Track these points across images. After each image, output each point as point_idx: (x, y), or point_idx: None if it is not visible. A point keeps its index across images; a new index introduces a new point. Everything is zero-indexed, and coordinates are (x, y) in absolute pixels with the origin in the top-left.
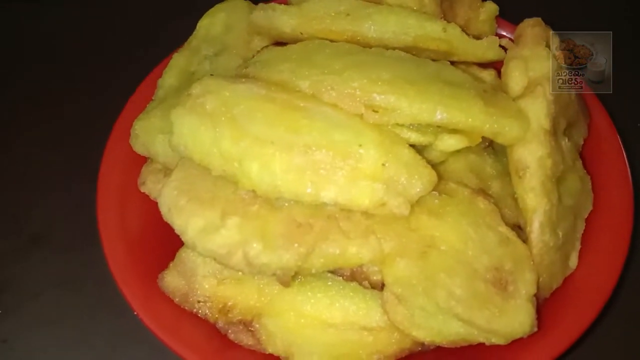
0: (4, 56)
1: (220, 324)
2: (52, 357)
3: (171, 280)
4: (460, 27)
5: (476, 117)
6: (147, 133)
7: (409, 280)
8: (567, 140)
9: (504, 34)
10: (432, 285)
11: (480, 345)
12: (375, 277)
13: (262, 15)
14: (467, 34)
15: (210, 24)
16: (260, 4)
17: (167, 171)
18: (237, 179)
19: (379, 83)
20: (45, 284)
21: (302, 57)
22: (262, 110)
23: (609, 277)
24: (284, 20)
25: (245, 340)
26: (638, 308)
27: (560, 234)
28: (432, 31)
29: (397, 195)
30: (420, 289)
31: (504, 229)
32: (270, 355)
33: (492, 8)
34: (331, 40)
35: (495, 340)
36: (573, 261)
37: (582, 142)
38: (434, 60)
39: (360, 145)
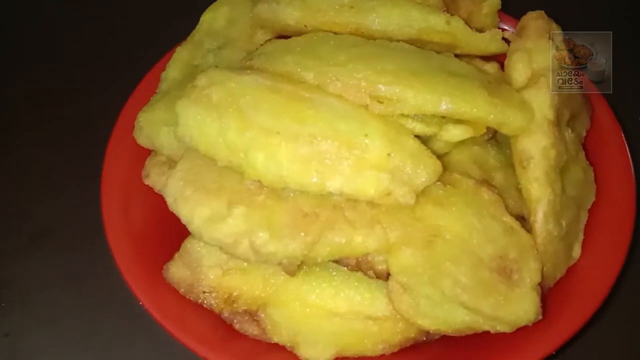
0: (5, 56)
1: (225, 314)
2: (54, 353)
3: (176, 271)
4: (463, 20)
5: (481, 108)
6: (151, 125)
7: (415, 269)
8: (570, 132)
9: (506, 27)
10: (437, 273)
11: (485, 333)
12: (380, 267)
13: (266, 8)
14: (470, 27)
15: (213, 18)
16: None
17: (171, 163)
18: (243, 170)
19: (384, 74)
20: (47, 281)
21: (307, 49)
22: (267, 100)
23: (612, 268)
24: (288, 13)
25: (251, 330)
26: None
27: (564, 223)
28: (436, 24)
29: (403, 184)
30: (425, 278)
31: (508, 219)
32: (276, 344)
33: (494, 2)
34: (335, 33)
35: (500, 328)
36: (576, 251)
37: (584, 134)
38: (437, 52)
39: (365, 136)
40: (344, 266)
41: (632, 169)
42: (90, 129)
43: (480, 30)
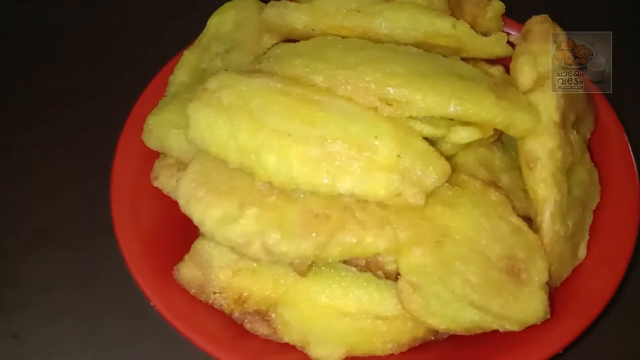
0: (5, 55)
1: (235, 315)
2: (63, 352)
3: (187, 271)
4: (469, 24)
5: (489, 110)
6: (160, 128)
7: (425, 269)
8: (575, 133)
9: (509, 31)
10: (447, 273)
11: (492, 332)
12: (389, 267)
13: (274, 12)
14: (476, 31)
15: (220, 21)
16: (272, 2)
17: (180, 166)
18: (254, 171)
19: (393, 77)
20: (55, 279)
21: (315, 53)
22: (278, 103)
23: (617, 267)
24: (296, 17)
25: (261, 330)
26: None
27: (570, 224)
28: (442, 28)
29: (413, 185)
30: (435, 277)
31: (515, 219)
32: (286, 344)
33: (498, 6)
34: (342, 37)
35: (509, 326)
36: (582, 252)
37: (589, 136)
38: (444, 56)
39: (375, 137)
40: (353, 266)
41: (636, 170)
42: (91, 128)
43: (485, 34)
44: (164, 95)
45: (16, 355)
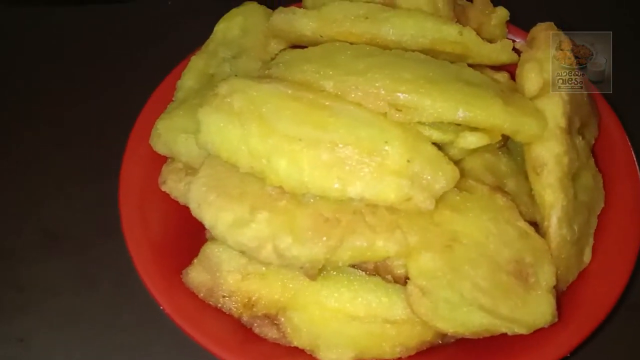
0: (5, 56)
1: (244, 319)
2: (69, 356)
3: (196, 275)
4: (474, 31)
5: (497, 116)
6: (169, 132)
7: (434, 273)
8: (581, 139)
9: (514, 38)
10: (457, 277)
11: (499, 336)
12: (398, 271)
13: (282, 18)
14: (482, 38)
15: (227, 27)
16: (280, 8)
17: (188, 170)
18: (264, 175)
19: (403, 83)
20: (61, 282)
21: (325, 59)
22: (289, 108)
23: (623, 271)
24: (304, 24)
25: (271, 334)
26: None
27: (576, 228)
28: (449, 34)
29: (423, 190)
30: (445, 281)
31: (522, 224)
32: (295, 348)
33: (503, 13)
34: (350, 43)
35: (517, 330)
36: (587, 256)
37: (593, 141)
38: (450, 62)
39: (386, 142)
40: (362, 270)
41: (639, 176)
42: (97, 132)
43: (490, 41)
44: (172, 100)
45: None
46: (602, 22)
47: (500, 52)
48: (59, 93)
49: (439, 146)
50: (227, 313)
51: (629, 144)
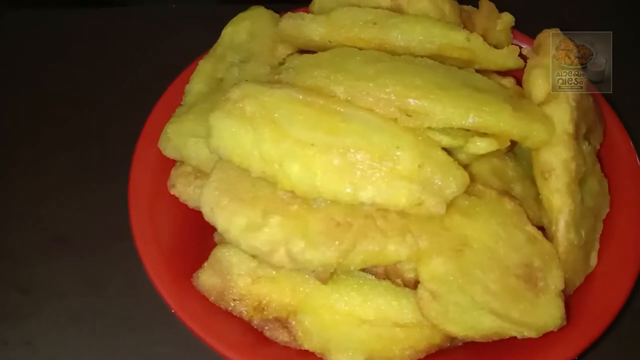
0: (8, 58)
1: (255, 322)
2: (76, 358)
3: (206, 279)
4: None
5: (506, 122)
6: (179, 136)
7: (446, 277)
8: (587, 145)
9: (519, 44)
10: (468, 281)
11: (507, 339)
12: (408, 275)
13: (291, 23)
14: (488, 44)
15: (235, 31)
16: (288, 13)
17: (197, 174)
18: (277, 180)
19: (413, 89)
20: (69, 286)
21: (334, 64)
22: (301, 113)
23: (628, 275)
24: (313, 29)
25: (281, 337)
26: None
27: (583, 233)
28: (456, 40)
29: (434, 195)
30: (455, 286)
31: (530, 228)
32: (305, 351)
33: (508, 19)
34: (359, 48)
35: (527, 333)
36: (593, 260)
37: (599, 147)
38: (458, 67)
39: (397, 148)
40: (372, 274)
41: None
42: (104, 136)
43: (495, 46)
44: (181, 104)
45: None
46: (603, 21)
47: (506, 57)
48: (61, 95)
49: (447, 151)
50: (238, 316)
51: (633, 149)
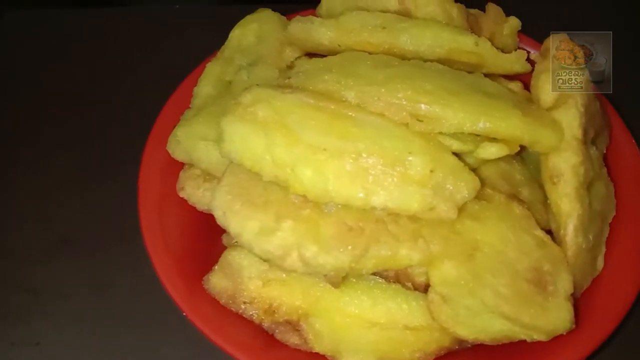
0: (11, 60)
1: (266, 325)
2: None
3: (217, 282)
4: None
5: (517, 127)
6: (189, 140)
7: (457, 281)
8: (595, 149)
9: (526, 48)
10: (479, 285)
11: (518, 341)
12: (419, 279)
13: (300, 27)
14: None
15: (242, 34)
16: (297, 17)
17: (206, 176)
18: (288, 184)
19: (424, 94)
20: (73, 286)
21: (344, 68)
22: (313, 118)
23: (635, 278)
24: (322, 33)
25: (292, 340)
26: None
27: (591, 237)
28: (465, 44)
29: (445, 200)
30: (466, 290)
31: (539, 232)
32: (315, 353)
33: (515, 23)
34: (368, 52)
35: (537, 337)
36: (600, 263)
37: (605, 150)
38: (467, 72)
39: (409, 153)
40: (382, 278)
41: None
42: (111, 138)
43: (502, 50)
44: (189, 107)
45: None
46: (601, 15)
47: (514, 62)
48: (61, 95)
49: (457, 155)
50: (249, 319)
51: (639, 152)
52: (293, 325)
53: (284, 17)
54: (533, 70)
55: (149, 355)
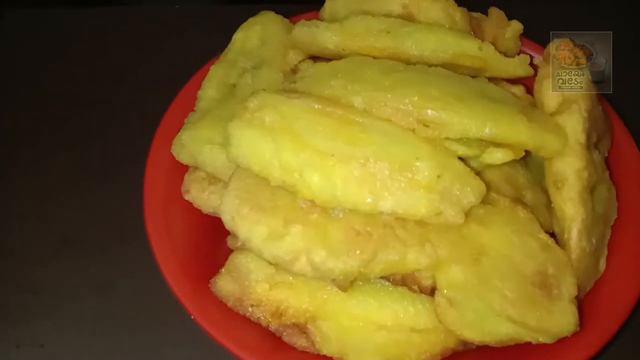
0: (12, 60)
1: (273, 327)
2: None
3: (224, 284)
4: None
5: (522, 132)
6: (194, 143)
7: (464, 285)
8: (597, 153)
9: (529, 52)
10: (485, 289)
11: (523, 344)
12: (425, 282)
13: (305, 31)
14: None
15: (246, 36)
16: (302, 21)
17: (211, 179)
18: (296, 189)
19: (430, 100)
20: (76, 286)
21: (350, 73)
22: (321, 123)
23: (636, 280)
24: (327, 37)
25: (300, 342)
26: None
27: (594, 240)
28: (469, 49)
29: (452, 205)
30: (473, 293)
31: (543, 236)
32: (323, 356)
33: (517, 27)
34: (373, 57)
35: (542, 339)
36: (602, 266)
37: (607, 154)
38: (470, 76)
39: (416, 158)
40: (388, 281)
41: None
42: (113, 139)
43: (504, 54)
44: (193, 110)
45: None
46: (601, 14)
47: (517, 66)
48: (61, 95)
49: (462, 160)
50: (256, 322)
51: (639, 154)
52: (300, 328)
53: (286, 20)
54: (536, 74)
55: (149, 355)
